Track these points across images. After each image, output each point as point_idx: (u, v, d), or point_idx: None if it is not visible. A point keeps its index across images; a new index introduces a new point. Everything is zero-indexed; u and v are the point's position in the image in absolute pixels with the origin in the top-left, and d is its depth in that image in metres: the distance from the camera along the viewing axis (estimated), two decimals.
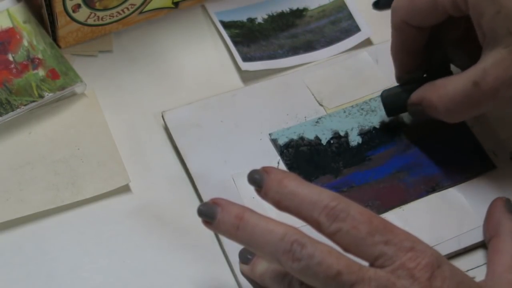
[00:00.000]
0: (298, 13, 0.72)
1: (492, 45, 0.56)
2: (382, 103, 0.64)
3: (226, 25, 0.70)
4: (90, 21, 0.67)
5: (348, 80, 0.68)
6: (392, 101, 0.63)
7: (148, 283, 0.58)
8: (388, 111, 0.64)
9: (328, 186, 0.62)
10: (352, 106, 0.66)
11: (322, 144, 0.64)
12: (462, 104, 0.58)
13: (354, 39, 0.70)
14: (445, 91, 0.58)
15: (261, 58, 0.69)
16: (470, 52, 0.60)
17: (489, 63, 0.56)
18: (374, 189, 0.62)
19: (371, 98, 0.67)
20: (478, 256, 0.60)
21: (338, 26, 0.71)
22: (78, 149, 0.63)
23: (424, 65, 0.62)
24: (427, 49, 0.62)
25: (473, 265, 0.60)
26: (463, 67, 0.59)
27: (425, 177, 0.63)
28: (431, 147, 0.64)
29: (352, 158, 0.64)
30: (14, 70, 0.65)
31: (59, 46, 0.68)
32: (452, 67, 0.63)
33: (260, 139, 0.64)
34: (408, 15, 0.59)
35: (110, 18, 0.68)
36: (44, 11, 0.66)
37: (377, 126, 0.65)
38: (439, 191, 0.62)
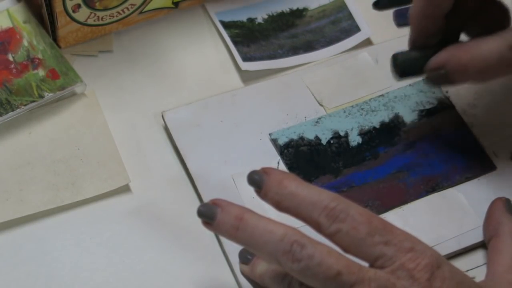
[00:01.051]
0: (298, 13, 0.72)
1: None
2: (396, 65, 0.62)
3: (226, 25, 0.70)
4: (90, 21, 0.67)
5: (348, 80, 0.68)
6: (409, 65, 0.61)
7: (148, 283, 0.58)
8: (402, 73, 0.62)
9: (328, 186, 0.62)
10: (352, 106, 0.66)
11: (322, 144, 0.64)
12: (495, 66, 0.58)
13: (354, 39, 0.70)
14: (478, 51, 0.58)
15: (261, 58, 0.69)
16: (484, 24, 0.61)
17: None
18: (374, 189, 0.62)
19: (371, 98, 0.67)
20: (478, 256, 0.60)
21: (338, 26, 0.71)
22: (78, 149, 0.63)
23: (441, 32, 0.61)
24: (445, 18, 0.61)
25: (473, 265, 0.60)
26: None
27: (425, 177, 0.63)
28: (431, 147, 0.64)
29: (352, 158, 0.64)
30: (14, 70, 0.65)
31: (59, 46, 0.68)
32: None
33: (260, 139, 0.64)
34: None
35: (110, 18, 0.68)
36: (44, 11, 0.66)
37: (377, 126, 0.65)
38: (439, 191, 0.62)
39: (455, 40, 0.62)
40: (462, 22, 0.62)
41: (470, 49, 0.59)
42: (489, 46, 0.57)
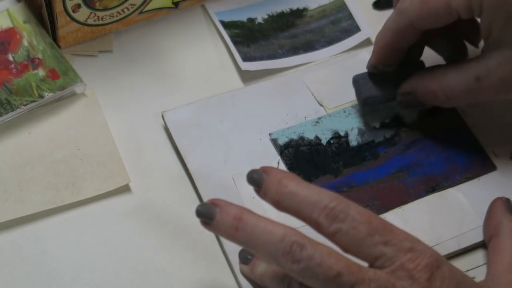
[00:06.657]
0: (298, 13, 0.72)
1: (497, 45, 0.58)
2: (360, 100, 0.64)
3: (226, 25, 0.70)
4: (90, 21, 0.67)
5: (348, 80, 0.67)
6: (371, 102, 0.64)
7: (148, 283, 0.58)
8: (364, 105, 0.64)
9: (328, 186, 0.62)
10: (352, 106, 0.66)
11: (322, 144, 0.64)
12: (462, 94, 0.60)
13: (354, 39, 0.70)
14: (445, 80, 0.60)
15: (261, 58, 0.69)
16: (453, 44, 0.64)
17: (494, 63, 0.58)
18: (374, 189, 0.62)
19: None
20: (478, 256, 0.60)
21: (338, 26, 0.71)
22: (78, 149, 0.63)
23: (401, 59, 0.63)
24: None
25: (473, 265, 0.60)
26: (446, 57, 0.64)
27: (425, 177, 0.63)
28: (431, 147, 0.64)
29: (352, 158, 0.64)
30: (14, 70, 0.65)
31: (59, 46, 0.68)
32: None
33: (260, 139, 0.64)
34: (419, 19, 0.59)
35: (110, 18, 0.68)
36: (44, 11, 0.66)
37: (377, 126, 0.65)
38: (439, 191, 0.62)
39: (418, 65, 0.64)
40: (431, 44, 0.65)
41: (438, 77, 0.61)
42: (456, 75, 0.60)
